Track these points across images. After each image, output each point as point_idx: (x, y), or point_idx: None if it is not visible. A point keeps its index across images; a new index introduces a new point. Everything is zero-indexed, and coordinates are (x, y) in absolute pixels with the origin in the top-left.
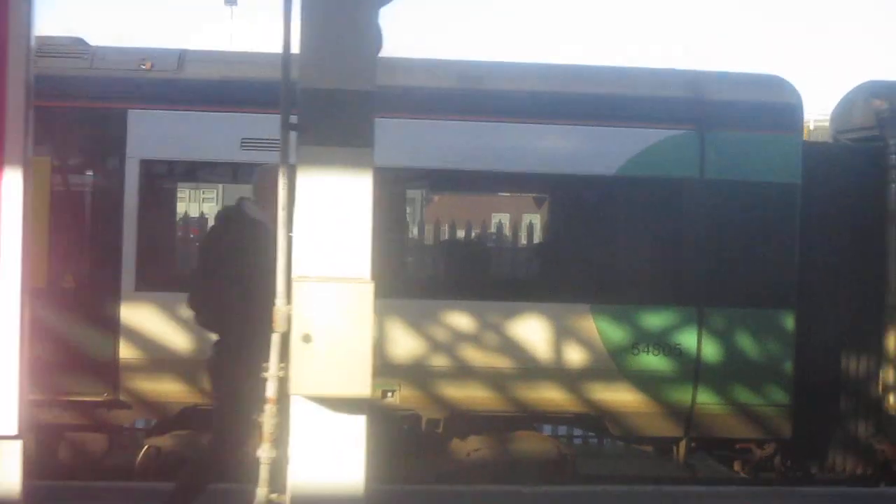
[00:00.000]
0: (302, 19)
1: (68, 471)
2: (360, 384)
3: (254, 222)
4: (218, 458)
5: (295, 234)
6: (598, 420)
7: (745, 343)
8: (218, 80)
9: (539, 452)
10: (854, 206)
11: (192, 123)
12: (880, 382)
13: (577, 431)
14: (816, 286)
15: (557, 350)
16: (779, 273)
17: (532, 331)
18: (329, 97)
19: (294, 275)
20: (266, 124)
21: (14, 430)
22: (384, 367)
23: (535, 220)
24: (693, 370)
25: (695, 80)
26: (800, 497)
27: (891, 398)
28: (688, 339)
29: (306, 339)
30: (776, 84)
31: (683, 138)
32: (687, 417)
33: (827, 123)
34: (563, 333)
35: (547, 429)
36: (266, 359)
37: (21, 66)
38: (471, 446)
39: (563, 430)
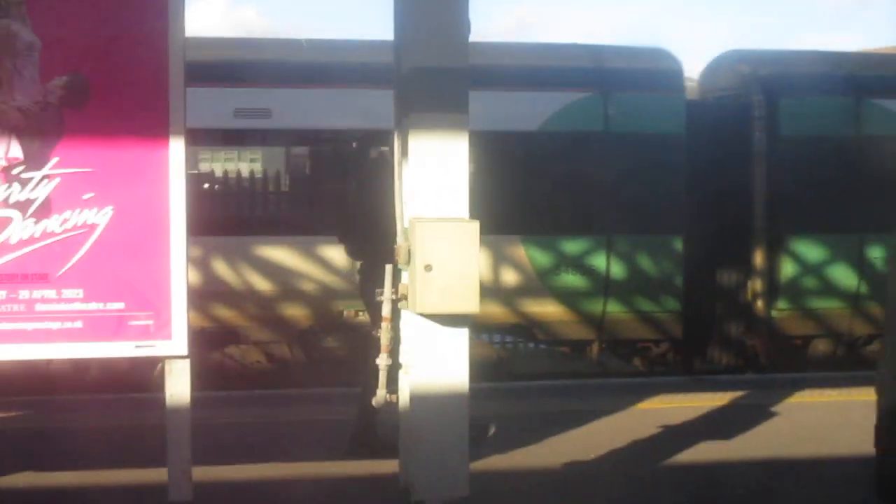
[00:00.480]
0: (400, 11)
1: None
2: (470, 303)
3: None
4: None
5: (410, 183)
6: (527, 329)
7: (644, 263)
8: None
9: (481, 356)
10: (727, 151)
11: None
12: (749, 290)
13: (509, 338)
14: (700, 216)
15: (496, 273)
16: (669, 206)
17: (481, 261)
18: (430, 73)
19: (412, 217)
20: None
21: (185, 352)
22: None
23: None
24: (603, 286)
25: (598, 52)
26: (695, 381)
27: (758, 303)
28: (599, 261)
29: (427, 268)
30: (662, 54)
31: (590, 99)
32: (599, 323)
33: (695, 84)
34: (500, 259)
35: (485, 337)
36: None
37: (179, 55)
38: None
39: (498, 337)
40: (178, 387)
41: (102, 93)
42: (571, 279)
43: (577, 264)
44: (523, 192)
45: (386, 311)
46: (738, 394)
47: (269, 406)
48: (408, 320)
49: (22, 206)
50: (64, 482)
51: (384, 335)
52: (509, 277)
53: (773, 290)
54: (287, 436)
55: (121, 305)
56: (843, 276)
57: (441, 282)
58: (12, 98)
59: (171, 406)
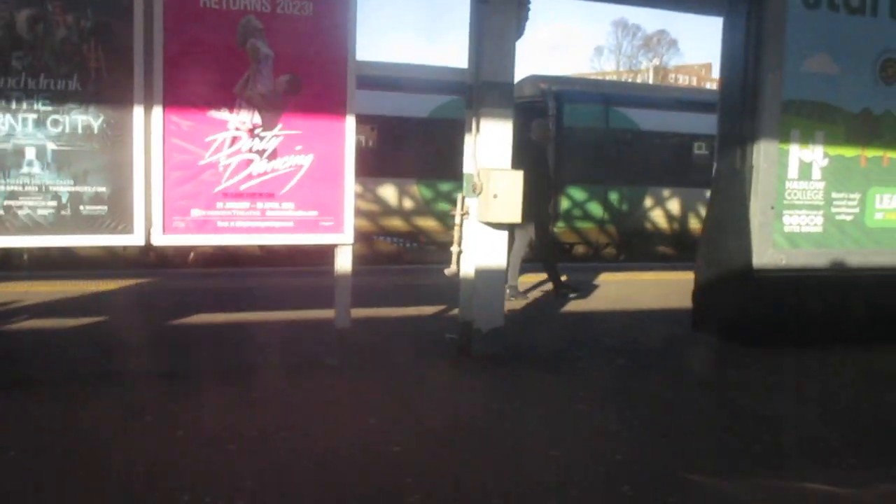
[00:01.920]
0: (474, 50)
1: None
2: (516, 216)
3: (533, 143)
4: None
5: (480, 147)
6: (416, 235)
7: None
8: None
9: (387, 251)
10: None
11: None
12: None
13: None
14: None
15: (399, 201)
16: None
17: (390, 194)
18: (492, 85)
19: (481, 166)
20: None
21: (351, 241)
22: None
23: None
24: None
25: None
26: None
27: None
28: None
29: (494, 196)
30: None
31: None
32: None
33: None
34: (402, 194)
35: (391, 239)
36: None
37: (353, 66)
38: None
39: (398, 240)
40: (344, 261)
41: (309, 86)
42: (446, 207)
43: (451, 197)
44: (419, 155)
45: (458, 220)
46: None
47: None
48: (472, 227)
49: (260, 153)
50: (259, 319)
51: (456, 234)
52: (407, 203)
53: (557, 215)
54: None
55: (315, 213)
56: (594, 209)
57: (501, 203)
58: (255, 87)
59: (339, 272)
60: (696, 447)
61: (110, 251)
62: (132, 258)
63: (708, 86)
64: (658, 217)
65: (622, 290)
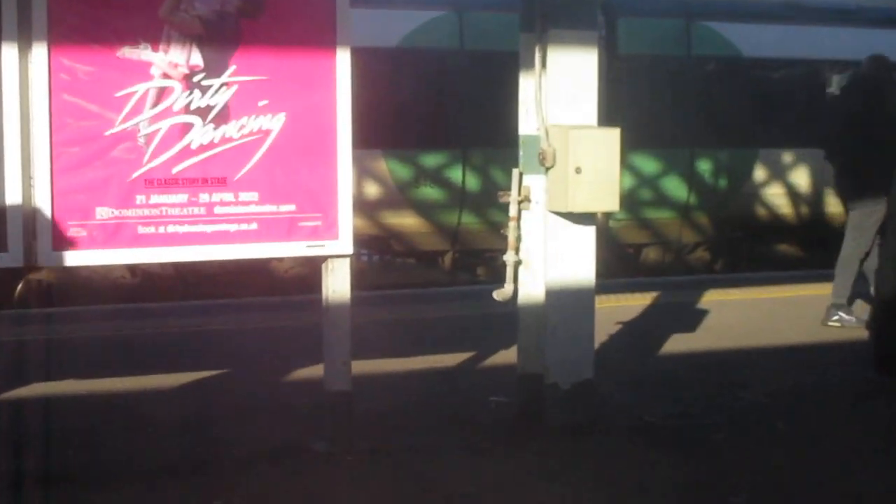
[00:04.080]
0: None
1: None
2: (612, 202)
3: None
4: None
5: (551, 93)
6: (385, 240)
7: (499, 176)
8: None
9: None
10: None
11: None
12: None
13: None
14: None
15: (357, 186)
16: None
17: None
18: None
19: (559, 124)
20: None
21: (349, 250)
22: None
23: None
24: (459, 198)
25: None
26: None
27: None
28: (455, 174)
29: (578, 170)
30: None
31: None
32: (454, 234)
33: None
34: (361, 173)
35: None
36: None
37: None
38: (287, 265)
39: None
40: (339, 284)
41: (276, 4)
42: (430, 192)
43: (436, 177)
44: (385, 109)
45: (514, 211)
46: (636, 294)
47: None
48: (537, 220)
49: (202, 113)
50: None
51: (512, 233)
52: (371, 190)
53: None
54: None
55: (292, 207)
56: (673, 189)
57: (589, 183)
58: (192, 7)
59: (332, 301)
60: None
61: None
62: None
63: None
64: (777, 198)
65: (741, 316)
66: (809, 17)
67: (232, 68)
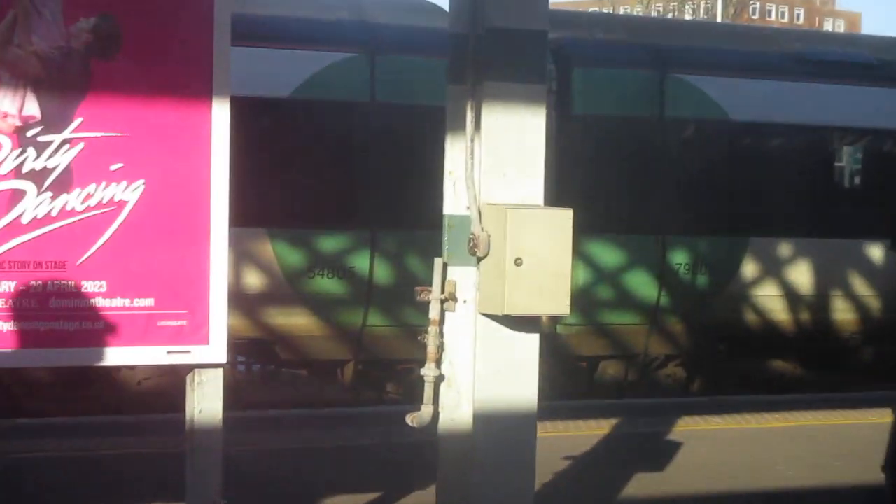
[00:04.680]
0: None
1: None
2: (561, 303)
3: None
4: None
5: (486, 163)
6: (270, 346)
7: (417, 266)
8: None
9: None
10: None
11: None
12: None
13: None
14: None
15: (235, 275)
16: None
17: None
18: (511, 36)
19: (494, 203)
20: None
21: (223, 358)
22: None
23: None
24: (365, 293)
25: (358, 5)
26: None
27: None
28: (361, 262)
29: (518, 262)
30: (435, 10)
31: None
32: (357, 339)
33: None
34: (240, 258)
35: None
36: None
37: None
38: (140, 375)
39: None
40: (209, 401)
41: (136, 41)
42: (328, 284)
43: (336, 265)
44: (271, 174)
45: (435, 312)
46: (590, 421)
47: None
48: (465, 324)
49: (37, 177)
50: None
51: (432, 341)
52: (252, 280)
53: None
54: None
55: (150, 302)
56: (639, 286)
57: (532, 278)
58: (28, 42)
59: (199, 424)
60: None
61: None
62: None
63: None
64: (771, 301)
65: (724, 451)
66: (816, 72)
67: (77, 121)
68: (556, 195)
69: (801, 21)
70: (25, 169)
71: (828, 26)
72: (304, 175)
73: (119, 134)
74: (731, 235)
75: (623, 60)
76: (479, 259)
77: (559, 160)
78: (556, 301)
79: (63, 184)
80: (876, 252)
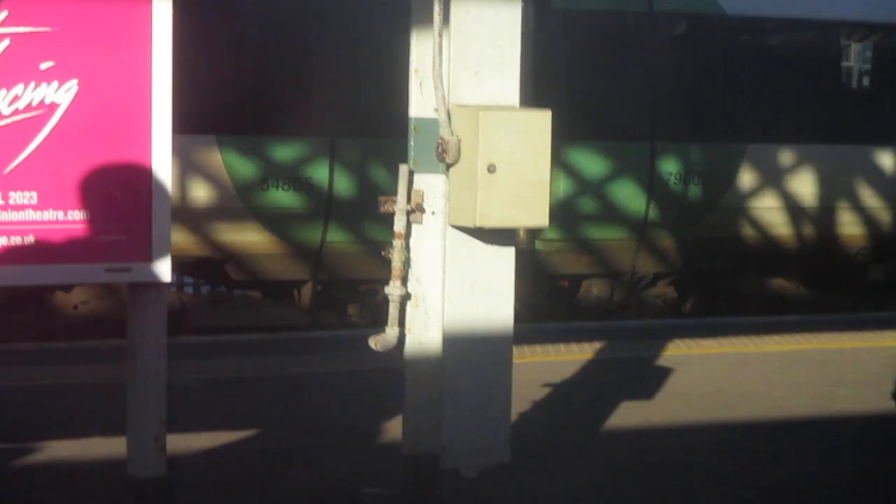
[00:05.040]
0: None
1: None
2: (539, 215)
3: None
4: None
5: (455, 60)
6: (219, 265)
7: (381, 175)
8: None
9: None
10: None
11: None
12: None
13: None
14: None
15: (180, 187)
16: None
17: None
18: None
19: (463, 104)
20: None
21: (167, 277)
22: None
23: None
24: (324, 206)
25: None
26: None
27: None
28: (319, 172)
29: (491, 169)
30: None
31: None
32: (316, 257)
33: None
34: (186, 168)
35: None
36: None
37: None
38: (77, 298)
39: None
40: (152, 324)
41: None
42: (283, 197)
43: (291, 176)
44: (218, 76)
45: (400, 225)
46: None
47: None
48: (434, 238)
49: None
50: None
51: (397, 256)
52: (199, 193)
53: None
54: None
55: (86, 215)
56: (627, 197)
57: (507, 187)
58: None
59: (141, 350)
60: None
61: None
62: None
63: None
64: (770, 213)
65: (718, 377)
66: None
67: (2, 15)
68: (534, 98)
69: None
70: None
71: None
72: (256, 76)
73: (49, 29)
74: (727, 142)
75: None
76: (449, 166)
77: (538, 60)
78: (533, 212)
79: None
80: (886, 159)
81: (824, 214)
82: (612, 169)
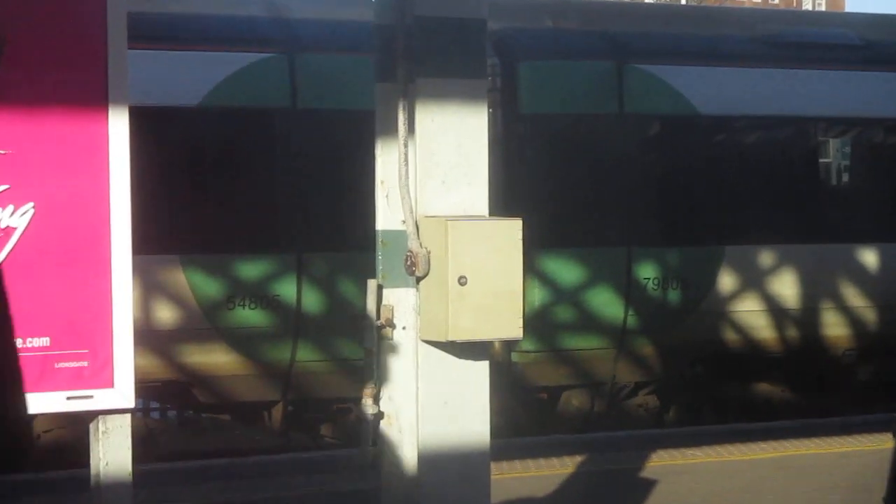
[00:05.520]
0: None
1: None
2: (513, 327)
3: None
4: None
5: (422, 171)
6: (186, 388)
7: (350, 290)
8: None
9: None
10: None
11: None
12: None
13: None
14: None
15: (145, 308)
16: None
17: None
18: (445, 25)
19: (423, 214)
20: None
21: (131, 403)
22: None
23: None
24: (294, 324)
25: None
26: None
27: None
28: (287, 290)
29: (462, 281)
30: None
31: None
32: (285, 377)
33: None
34: (149, 289)
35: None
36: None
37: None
38: (40, 426)
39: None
40: (116, 453)
41: (19, 44)
42: (250, 315)
43: (258, 295)
44: (182, 195)
45: (370, 342)
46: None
47: None
48: (405, 354)
49: None
50: None
51: (368, 374)
52: (164, 314)
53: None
54: None
55: (45, 341)
56: (600, 302)
57: (478, 299)
58: None
59: (105, 479)
60: None
61: None
62: None
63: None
64: (753, 316)
65: (706, 488)
66: (795, 57)
67: None
68: (503, 206)
69: (777, 0)
70: None
71: (807, 5)
72: (220, 194)
73: (3, 152)
74: (705, 245)
75: (576, 51)
76: (419, 279)
77: (506, 166)
78: (506, 324)
79: None
80: (869, 257)
81: (808, 316)
82: (587, 276)
